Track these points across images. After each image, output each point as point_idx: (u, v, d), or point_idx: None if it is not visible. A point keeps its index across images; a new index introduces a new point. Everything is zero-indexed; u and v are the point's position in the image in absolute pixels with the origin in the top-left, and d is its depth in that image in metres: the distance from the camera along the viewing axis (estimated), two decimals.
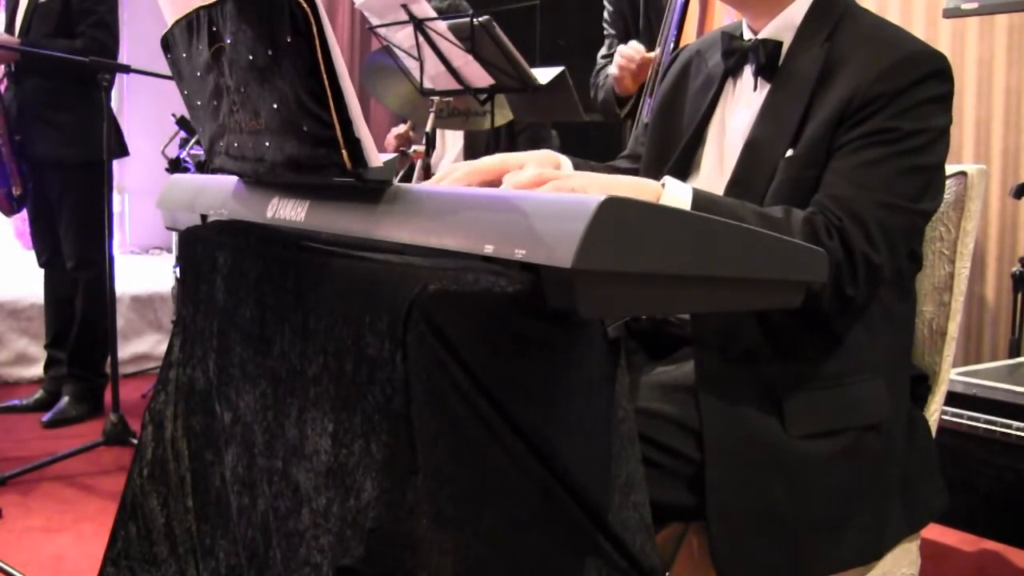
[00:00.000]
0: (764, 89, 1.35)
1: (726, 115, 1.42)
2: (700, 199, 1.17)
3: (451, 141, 3.40)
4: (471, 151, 3.26)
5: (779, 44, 1.34)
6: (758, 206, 1.22)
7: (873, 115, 1.23)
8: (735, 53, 1.39)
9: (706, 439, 1.20)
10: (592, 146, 4.01)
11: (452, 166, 1.23)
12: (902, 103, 1.22)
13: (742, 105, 1.39)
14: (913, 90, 1.23)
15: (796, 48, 1.33)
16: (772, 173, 1.29)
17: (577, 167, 1.37)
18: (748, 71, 1.38)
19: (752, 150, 1.32)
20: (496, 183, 1.16)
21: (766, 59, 1.34)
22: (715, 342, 1.24)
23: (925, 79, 1.23)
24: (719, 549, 1.18)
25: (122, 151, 3.56)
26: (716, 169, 1.40)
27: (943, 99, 1.26)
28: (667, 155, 1.45)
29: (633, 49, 2.51)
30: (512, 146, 3.30)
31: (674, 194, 1.17)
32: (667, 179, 1.20)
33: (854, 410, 1.27)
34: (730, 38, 1.40)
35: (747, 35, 1.40)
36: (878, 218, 1.20)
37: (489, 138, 3.27)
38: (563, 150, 1.37)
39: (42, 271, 3.70)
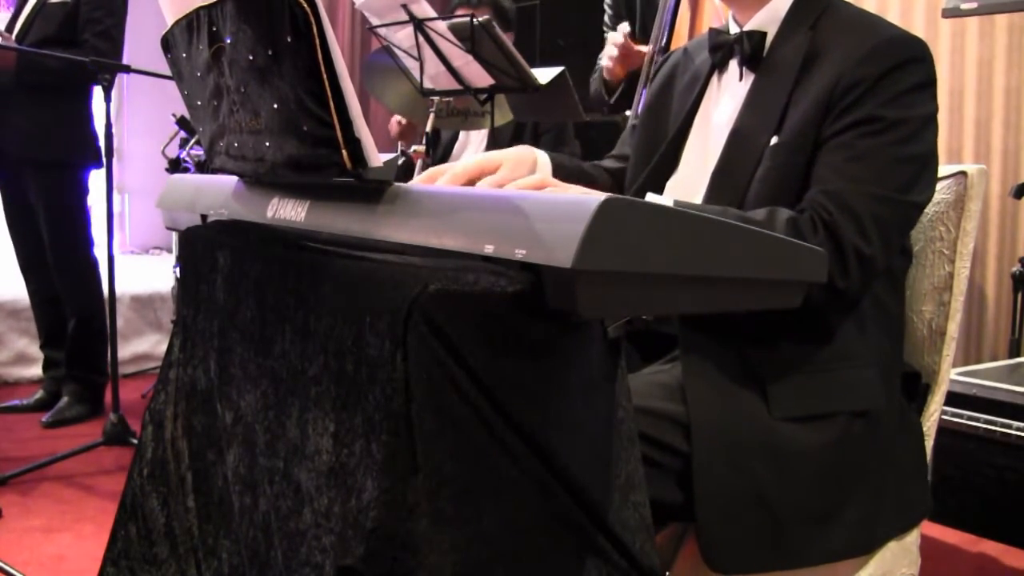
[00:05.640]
0: (749, 80, 1.37)
1: (711, 109, 1.44)
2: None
3: (475, 138, 3.40)
4: (494, 150, 3.26)
5: (764, 35, 1.36)
6: (739, 210, 1.23)
7: (857, 102, 1.24)
8: (722, 47, 1.41)
9: (692, 421, 1.20)
10: (592, 146, 4.01)
11: (434, 171, 1.25)
12: (885, 90, 1.23)
13: (727, 97, 1.41)
14: (894, 75, 1.24)
15: (780, 38, 1.35)
16: (757, 161, 1.30)
17: (555, 163, 1.40)
18: (734, 64, 1.40)
19: (737, 138, 1.33)
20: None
21: (751, 50, 1.36)
22: (700, 325, 1.26)
23: (905, 64, 1.25)
24: (705, 534, 1.18)
25: (96, 160, 3.48)
26: (700, 161, 1.41)
27: (925, 86, 1.27)
28: (653, 154, 1.46)
29: (620, 33, 2.55)
30: (535, 146, 3.30)
31: None
32: (648, 196, 1.21)
33: (841, 395, 1.27)
34: (716, 33, 1.43)
35: (733, 29, 1.41)
36: (871, 210, 1.21)
37: (512, 137, 3.27)
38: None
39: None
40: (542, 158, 1.37)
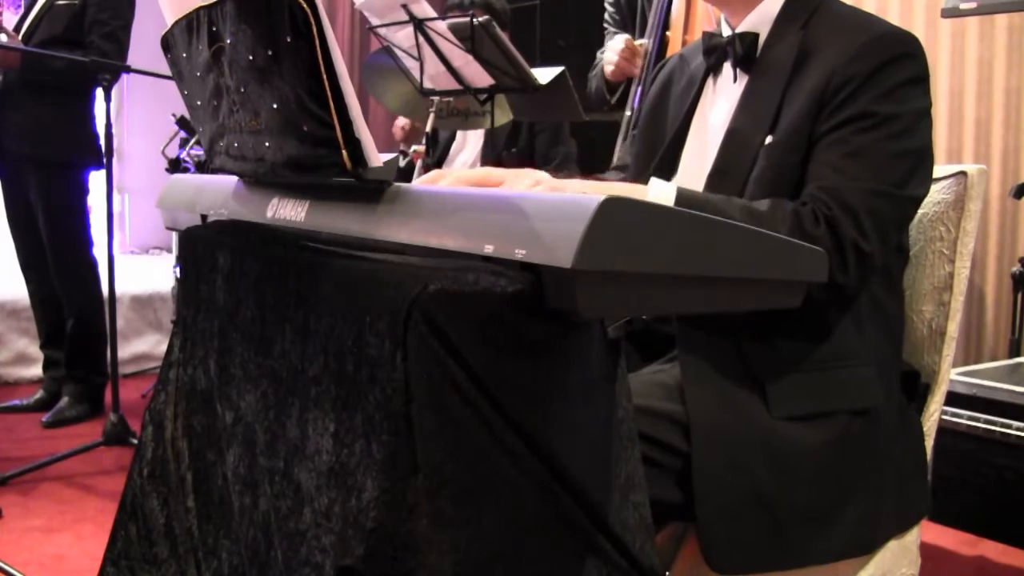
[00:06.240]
0: (743, 81, 1.38)
1: (707, 111, 1.44)
2: (684, 197, 1.19)
3: (472, 137, 3.41)
4: (491, 149, 3.27)
5: (756, 36, 1.37)
6: (743, 200, 1.23)
7: (851, 98, 1.24)
8: (715, 50, 1.42)
9: (691, 421, 1.21)
10: (592, 146, 4.01)
11: (434, 174, 1.25)
12: (877, 85, 1.24)
13: (722, 99, 1.42)
14: (886, 71, 1.24)
15: (772, 38, 1.36)
16: (752, 161, 1.31)
17: None
18: (728, 66, 1.41)
19: (732, 139, 1.34)
20: None
21: (743, 51, 1.37)
22: (698, 324, 1.26)
23: (897, 59, 1.25)
24: (705, 534, 1.18)
25: (97, 161, 3.47)
26: (697, 162, 1.42)
27: (918, 81, 1.27)
28: (653, 159, 1.47)
29: (630, 45, 2.55)
30: (531, 145, 3.31)
31: (657, 194, 1.18)
32: (652, 180, 1.21)
33: (840, 394, 1.28)
34: (710, 36, 1.43)
35: (726, 31, 1.42)
36: (867, 206, 1.21)
37: (509, 137, 3.28)
38: None
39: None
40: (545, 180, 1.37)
